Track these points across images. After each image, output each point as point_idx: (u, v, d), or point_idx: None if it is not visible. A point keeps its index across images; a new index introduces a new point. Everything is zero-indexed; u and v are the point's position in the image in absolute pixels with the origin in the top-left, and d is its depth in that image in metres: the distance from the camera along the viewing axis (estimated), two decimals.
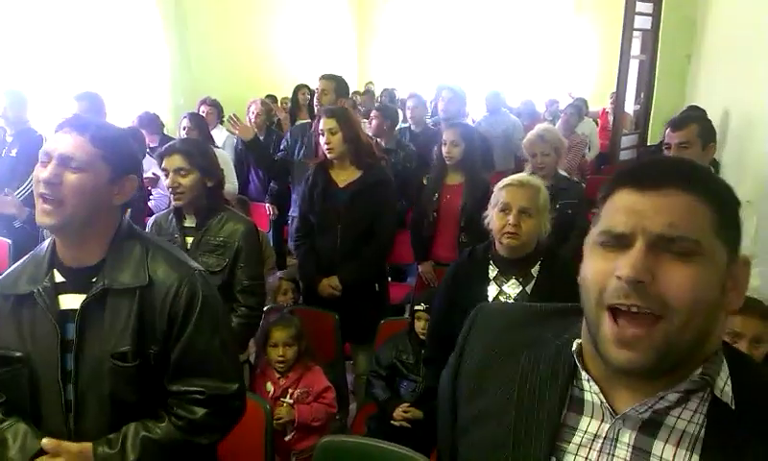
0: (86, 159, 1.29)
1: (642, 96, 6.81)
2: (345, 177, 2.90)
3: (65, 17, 5.12)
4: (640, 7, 6.16)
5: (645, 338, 0.70)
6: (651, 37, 6.46)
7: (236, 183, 4.38)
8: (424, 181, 3.41)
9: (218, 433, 1.42)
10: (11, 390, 1.37)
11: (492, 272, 2.15)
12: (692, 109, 3.11)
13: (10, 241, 3.50)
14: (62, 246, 1.37)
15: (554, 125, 4.76)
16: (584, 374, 0.78)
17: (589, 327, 0.76)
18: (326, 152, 2.84)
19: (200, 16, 6.75)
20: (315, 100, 3.68)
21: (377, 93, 9.02)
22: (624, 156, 6.52)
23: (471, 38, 10.71)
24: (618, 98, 6.41)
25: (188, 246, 2.26)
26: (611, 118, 7.56)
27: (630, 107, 6.99)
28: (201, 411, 1.36)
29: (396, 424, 2.46)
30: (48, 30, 5.00)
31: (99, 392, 1.33)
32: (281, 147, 3.88)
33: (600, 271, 0.73)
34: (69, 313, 1.33)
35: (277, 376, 2.47)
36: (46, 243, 1.41)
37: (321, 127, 2.84)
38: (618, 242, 0.72)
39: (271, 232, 4.65)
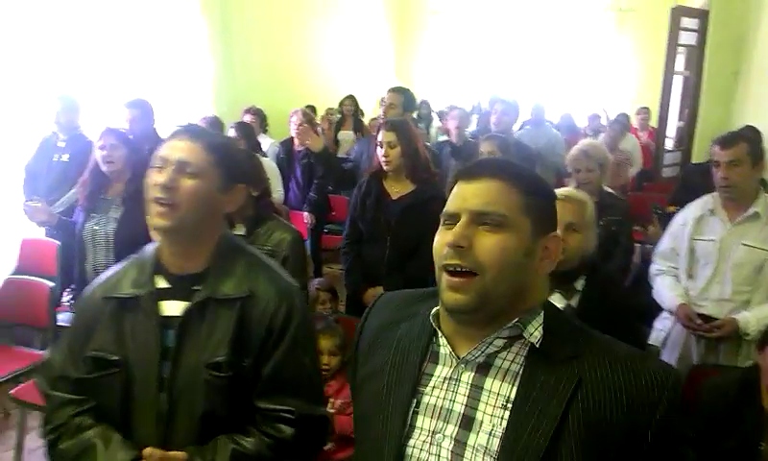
0: (202, 166, 1.32)
1: (687, 113, 6.68)
2: (398, 189, 2.92)
3: (114, 25, 5.25)
4: (686, 23, 6.06)
5: (467, 285, 0.92)
6: (696, 54, 6.34)
7: (282, 192, 4.44)
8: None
9: (304, 457, 1.37)
10: (103, 395, 1.35)
11: None
12: (747, 129, 3.05)
13: (59, 243, 3.58)
14: (168, 252, 1.38)
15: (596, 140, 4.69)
16: (438, 332, 1.00)
17: (437, 285, 0.97)
18: (384, 164, 2.87)
19: (244, 26, 6.86)
20: (382, 112, 3.74)
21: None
22: (667, 172, 6.40)
23: (511, 53, 10.67)
24: (662, 115, 6.30)
25: None
26: (640, 134, 7.39)
27: (673, 123, 6.87)
28: (289, 431, 1.32)
29: None
30: (97, 36, 5.11)
31: (192, 403, 1.31)
32: (351, 157, 3.95)
33: (439, 241, 0.98)
34: (170, 320, 1.33)
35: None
36: (150, 247, 1.41)
37: (380, 139, 2.87)
38: (452, 220, 0.96)
39: (308, 241, 4.68)
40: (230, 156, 1.39)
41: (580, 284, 2.10)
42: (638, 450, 0.88)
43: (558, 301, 2.10)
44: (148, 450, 1.25)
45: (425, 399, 0.98)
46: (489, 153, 3.22)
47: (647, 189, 6.17)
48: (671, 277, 2.67)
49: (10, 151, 4.19)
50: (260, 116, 5.02)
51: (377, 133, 2.93)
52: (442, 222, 1.00)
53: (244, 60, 6.84)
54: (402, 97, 3.70)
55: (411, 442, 0.97)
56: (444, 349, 1.00)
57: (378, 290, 2.88)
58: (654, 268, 2.77)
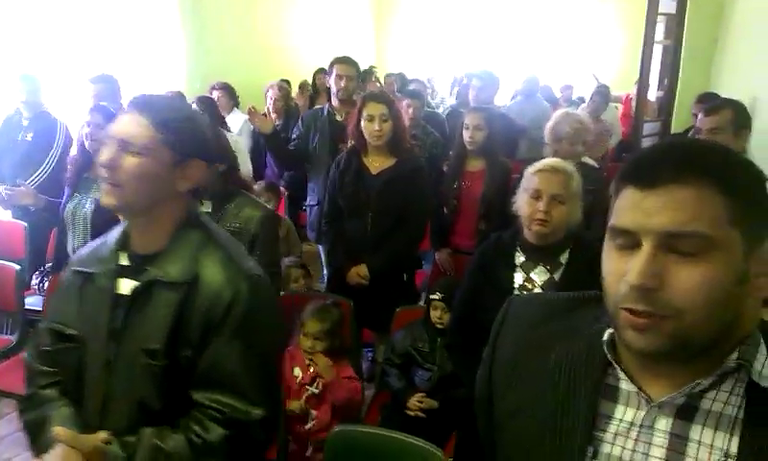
0: (146, 143, 1.23)
1: (666, 82, 6.65)
2: (378, 163, 2.85)
3: (83, 1, 5.10)
4: None
5: (656, 327, 0.69)
6: (676, 21, 6.29)
7: (250, 169, 4.31)
8: (444, 168, 3.34)
9: None
10: (61, 368, 1.34)
11: (519, 259, 2.09)
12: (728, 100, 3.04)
13: (26, 224, 3.49)
14: (132, 230, 1.34)
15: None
16: (615, 364, 0.77)
17: (611, 320, 0.76)
18: (374, 138, 2.78)
19: (217, 0, 6.68)
20: (334, 86, 3.57)
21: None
22: (646, 143, 6.38)
23: (491, 23, 10.54)
24: (641, 84, 6.24)
25: None
26: (634, 105, 7.40)
27: (653, 93, 6.84)
28: (218, 432, 1.23)
29: (410, 413, 2.40)
30: (65, 13, 4.96)
31: (130, 389, 1.26)
32: (294, 136, 3.78)
33: (613, 272, 0.73)
34: (122, 299, 1.29)
35: (307, 362, 2.42)
36: (122, 225, 1.38)
37: (368, 112, 2.76)
38: (628, 242, 0.71)
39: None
40: (183, 130, 1.29)
41: (564, 257, 2.06)
42: None
43: (541, 275, 2.07)
44: (58, 429, 1.19)
45: (606, 448, 0.77)
46: (474, 126, 3.15)
47: (627, 160, 6.15)
48: None
49: None
50: (229, 91, 4.86)
51: (361, 106, 2.82)
52: (610, 236, 0.75)
53: (217, 34, 6.67)
54: (355, 68, 3.57)
55: None
56: (629, 385, 0.77)
57: (362, 269, 2.82)
58: None
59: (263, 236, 2.21)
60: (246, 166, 4.24)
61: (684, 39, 6.21)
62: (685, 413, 0.73)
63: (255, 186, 3.93)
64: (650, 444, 0.74)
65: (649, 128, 6.60)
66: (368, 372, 3.29)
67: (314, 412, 2.36)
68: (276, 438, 1.33)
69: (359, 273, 2.83)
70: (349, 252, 2.87)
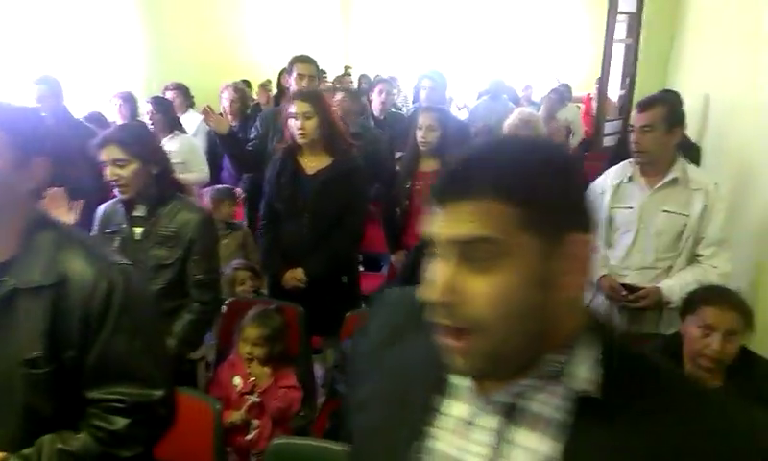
0: None
1: (628, 81, 6.71)
2: (314, 164, 2.77)
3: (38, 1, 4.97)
4: None
5: (466, 349, 0.68)
6: (636, 21, 6.35)
7: (206, 171, 4.23)
8: (397, 168, 3.30)
9: (141, 445, 1.28)
10: None
11: None
12: (667, 92, 2.99)
13: None
14: None
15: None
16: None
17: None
18: (299, 137, 2.71)
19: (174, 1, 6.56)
20: (294, 84, 3.49)
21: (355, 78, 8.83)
22: (608, 142, 6.43)
23: (456, 22, 10.56)
24: (602, 83, 6.30)
25: (137, 237, 2.12)
26: (594, 104, 7.47)
27: (615, 92, 6.90)
28: (122, 421, 1.23)
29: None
30: (19, 14, 4.83)
31: (11, 402, 1.20)
32: (252, 136, 3.68)
33: (425, 282, 0.71)
34: None
35: (247, 370, 2.35)
36: None
37: (293, 110, 2.70)
38: (436, 251, 0.70)
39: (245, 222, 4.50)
40: (23, 127, 1.24)
41: None
42: None
43: None
44: None
45: (433, 443, 0.75)
46: (427, 126, 3.11)
47: (588, 159, 6.19)
48: None
49: None
50: (183, 92, 4.75)
51: (288, 104, 2.76)
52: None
53: (174, 34, 6.55)
54: (314, 66, 3.50)
55: None
56: (461, 381, 0.76)
57: (297, 272, 2.77)
58: None
59: (200, 241, 2.13)
60: (202, 168, 4.18)
61: (642, 38, 6.27)
62: (511, 413, 0.72)
63: (211, 192, 3.85)
64: (473, 441, 0.73)
65: (611, 127, 6.66)
66: (323, 379, 3.23)
67: (256, 422, 2.30)
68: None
69: (295, 276, 2.77)
70: (287, 255, 2.81)
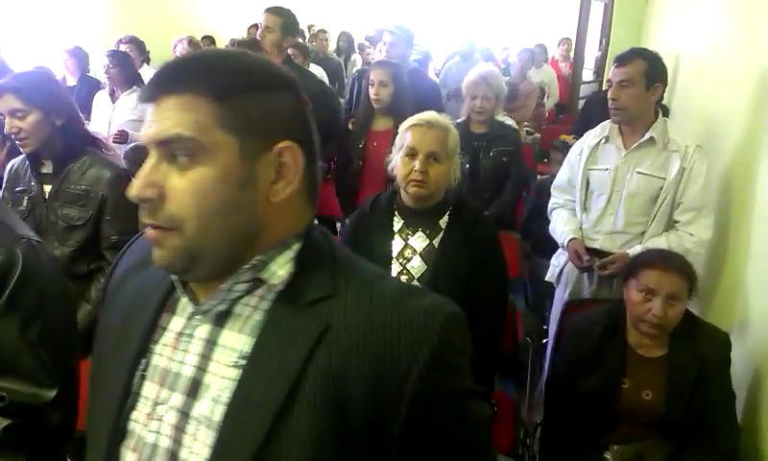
0: None
1: (604, 42, 6.57)
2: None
3: None
4: None
5: (163, 240, 0.70)
6: None
7: None
8: (350, 127, 3.15)
9: (22, 455, 1.08)
10: None
11: (397, 224, 1.94)
12: (644, 49, 2.85)
13: None
14: None
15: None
16: (174, 276, 0.76)
17: None
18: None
19: None
20: (259, 37, 3.31)
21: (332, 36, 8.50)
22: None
23: None
24: (579, 45, 6.15)
25: (46, 195, 1.96)
26: (561, 66, 7.32)
27: (592, 54, 6.77)
28: (1, 423, 1.06)
29: None
30: None
31: None
32: None
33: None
34: None
35: None
36: None
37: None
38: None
39: None
40: None
41: (443, 221, 1.92)
42: (390, 409, 0.67)
43: (420, 241, 1.92)
44: None
45: (154, 359, 0.76)
46: (379, 82, 2.96)
47: (563, 122, 6.08)
48: (568, 210, 2.50)
49: None
50: (138, 45, 4.51)
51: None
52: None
53: None
54: (281, 18, 3.30)
55: (134, 415, 0.74)
56: (182, 294, 0.76)
57: None
58: (551, 201, 2.60)
59: (113, 199, 1.96)
60: None
61: None
62: (222, 320, 0.73)
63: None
64: (187, 351, 0.74)
65: (587, 89, 6.53)
66: None
67: None
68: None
69: None
70: None
